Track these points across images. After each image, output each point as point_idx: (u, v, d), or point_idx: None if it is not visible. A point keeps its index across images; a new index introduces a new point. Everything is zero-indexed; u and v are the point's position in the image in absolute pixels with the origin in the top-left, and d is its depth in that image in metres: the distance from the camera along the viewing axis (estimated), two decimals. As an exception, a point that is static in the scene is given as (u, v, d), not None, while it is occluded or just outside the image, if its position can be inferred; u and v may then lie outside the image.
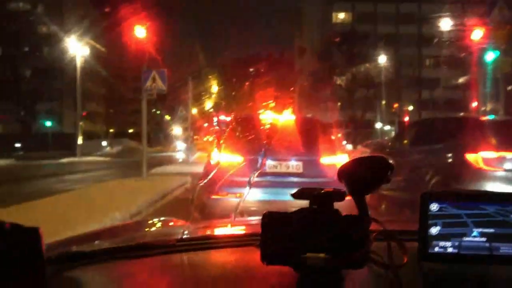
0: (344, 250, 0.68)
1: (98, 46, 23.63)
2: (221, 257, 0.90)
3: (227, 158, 4.39)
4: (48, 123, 33.58)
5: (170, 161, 17.68)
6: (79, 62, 21.86)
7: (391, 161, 0.78)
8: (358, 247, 0.69)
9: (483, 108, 22.88)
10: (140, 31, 10.44)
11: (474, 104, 24.83)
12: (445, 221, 0.81)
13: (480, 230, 0.80)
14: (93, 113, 39.32)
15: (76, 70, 21.95)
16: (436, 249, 0.80)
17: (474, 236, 0.80)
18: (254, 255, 0.75)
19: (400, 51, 38.42)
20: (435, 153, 4.74)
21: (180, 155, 21.41)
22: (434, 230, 0.80)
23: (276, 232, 0.71)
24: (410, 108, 39.01)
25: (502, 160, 4.03)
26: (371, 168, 0.76)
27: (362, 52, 34.86)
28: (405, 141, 5.92)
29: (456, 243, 0.80)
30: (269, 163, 4.48)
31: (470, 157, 4.13)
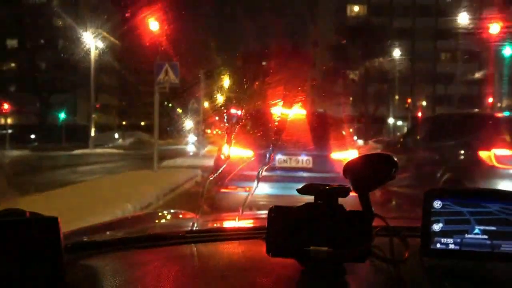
0: (346, 244, 0.71)
1: (112, 39, 23.83)
2: (228, 249, 0.93)
3: (237, 152, 4.42)
4: (62, 115, 34.11)
5: (181, 154, 17.83)
6: (93, 55, 22.09)
7: (395, 159, 0.79)
8: (360, 242, 0.71)
9: (498, 104, 22.43)
10: (154, 25, 10.48)
11: (490, 100, 24.35)
12: (447, 218, 0.82)
13: (482, 227, 0.81)
14: (106, 105, 39.76)
15: (90, 63, 22.21)
16: (438, 245, 0.82)
17: (476, 234, 0.82)
18: (260, 248, 0.78)
19: (416, 45, 37.82)
20: (447, 149, 4.70)
21: (191, 148, 21.57)
22: (436, 227, 0.82)
23: (281, 226, 0.73)
24: (424, 103, 38.47)
25: None
26: (375, 165, 0.78)
27: (377, 45, 34.39)
28: (418, 137, 5.87)
29: (458, 240, 0.82)
30: (279, 157, 4.50)
31: (482, 154, 4.08)
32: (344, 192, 0.74)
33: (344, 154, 4.46)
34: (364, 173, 0.78)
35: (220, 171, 1.24)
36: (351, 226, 0.72)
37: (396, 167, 0.78)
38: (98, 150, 21.31)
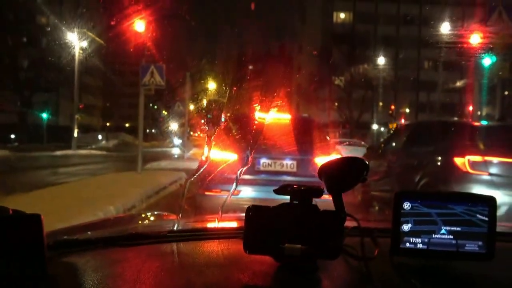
0: (319, 242, 0.74)
1: (97, 38, 23.55)
2: (207, 247, 0.96)
3: (223, 156, 4.45)
4: (44, 115, 33.44)
5: (166, 156, 17.70)
6: (77, 54, 21.78)
7: (367, 162, 0.84)
8: (332, 240, 0.75)
9: (478, 113, 23.01)
10: (140, 26, 10.44)
11: (470, 108, 24.99)
12: (416, 219, 0.87)
13: (448, 228, 0.86)
14: (90, 106, 39.19)
15: (74, 62, 21.89)
16: (407, 244, 0.86)
17: (442, 234, 0.86)
18: (238, 246, 0.81)
19: (400, 53, 38.56)
20: (425, 155, 4.84)
21: (176, 151, 21.44)
22: (406, 227, 0.87)
23: (258, 224, 0.77)
24: (407, 110, 39.20)
25: (487, 164, 4.14)
26: (348, 168, 0.82)
27: (362, 52, 34.95)
28: (398, 143, 6.00)
29: (426, 240, 0.87)
30: (264, 161, 4.54)
31: (457, 160, 4.26)
32: (318, 193, 0.78)
33: (328, 159, 4.51)
34: (337, 175, 0.82)
35: (200, 172, 1.26)
36: (324, 225, 0.76)
37: (367, 169, 0.82)
38: (81, 151, 20.97)
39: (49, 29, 29.03)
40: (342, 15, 43.32)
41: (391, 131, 8.41)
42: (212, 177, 4.30)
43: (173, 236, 1.02)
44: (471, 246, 0.85)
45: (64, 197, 5.99)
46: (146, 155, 11.54)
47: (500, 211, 3.59)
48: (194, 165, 10.19)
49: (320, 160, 4.54)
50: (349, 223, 0.86)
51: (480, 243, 0.85)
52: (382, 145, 6.67)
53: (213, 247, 0.96)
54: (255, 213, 0.77)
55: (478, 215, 0.86)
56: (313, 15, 42.24)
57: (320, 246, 0.74)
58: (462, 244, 0.86)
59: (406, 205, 0.86)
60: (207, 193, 4.32)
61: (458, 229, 0.86)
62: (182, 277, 0.76)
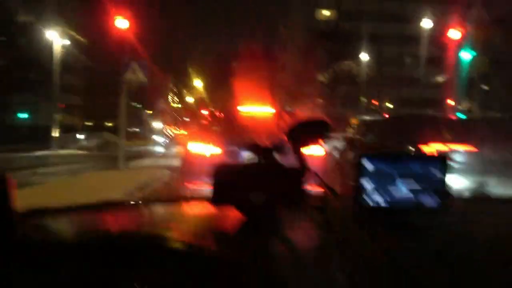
0: (282, 192, 0.78)
1: (77, 36, 23.14)
2: (177, 209, 0.99)
3: (206, 149, 4.48)
4: (23, 115, 32.71)
5: (149, 154, 17.56)
6: (56, 53, 21.37)
7: (328, 122, 0.88)
8: (294, 190, 0.79)
9: (459, 107, 23.55)
10: (122, 22, 10.30)
11: (452, 102, 25.52)
12: (377, 178, 0.91)
13: (407, 185, 0.91)
14: (70, 106, 38.48)
15: (53, 61, 21.47)
16: (369, 201, 0.91)
17: (402, 191, 0.91)
18: (207, 206, 0.84)
19: (383, 49, 39.04)
20: (397, 145, 5.13)
21: (159, 149, 21.30)
22: (368, 185, 0.91)
23: (225, 178, 0.80)
24: (391, 105, 39.77)
25: (451, 152, 4.48)
26: (310, 127, 0.87)
27: (345, 49, 35.28)
28: (375, 135, 6.23)
29: (387, 197, 0.91)
30: (245, 154, 4.58)
31: (424, 148, 4.59)
32: (280, 149, 0.82)
33: (310, 150, 4.60)
34: (299, 132, 0.86)
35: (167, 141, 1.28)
36: (286, 178, 0.79)
37: (328, 128, 0.87)
38: (61, 152, 20.61)
39: (28, 28, 28.37)
40: (326, 12, 43.60)
41: (352, 125, 8.94)
42: (194, 169, 4.33)
43: (144, 202, 1.04)
44: (428, 201, 0.90)
45: (40, 197, 5.85)
46: (129, 154, 11.42)
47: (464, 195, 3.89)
48: (177, 162, 10.14)
49: (303, 151, 4.61)
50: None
51: (436, 197, 0.90)
52: (359, 137, 6.86)
53: (182, 207, 0.99)
54: (222, 168, 0.81)
55: (433, 173, 0.91)
56: (296, 12, 42.42)
57: (282, 196, 0.78)
58: (420, 199, 0.90)
59: (368, 165, 0.91)
60: (189, 185, 4.35)
61: (416, 186, 0.91)
62: (150, 232, 0.78)
